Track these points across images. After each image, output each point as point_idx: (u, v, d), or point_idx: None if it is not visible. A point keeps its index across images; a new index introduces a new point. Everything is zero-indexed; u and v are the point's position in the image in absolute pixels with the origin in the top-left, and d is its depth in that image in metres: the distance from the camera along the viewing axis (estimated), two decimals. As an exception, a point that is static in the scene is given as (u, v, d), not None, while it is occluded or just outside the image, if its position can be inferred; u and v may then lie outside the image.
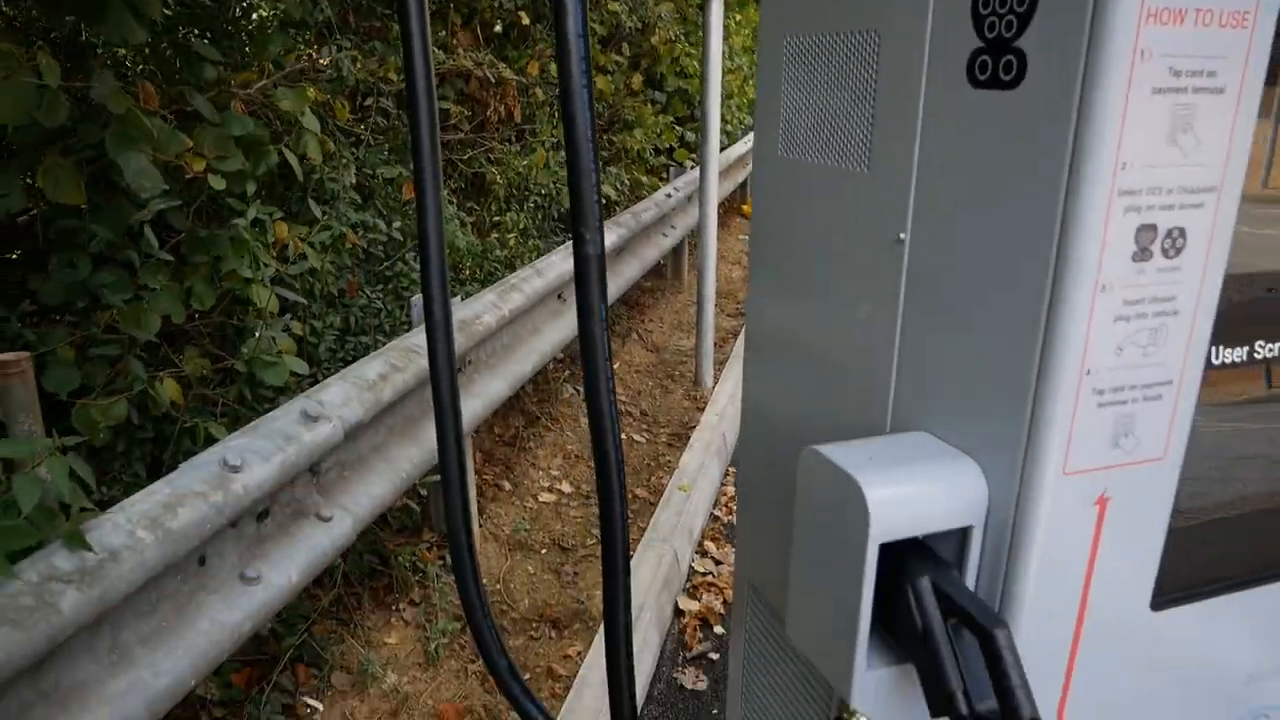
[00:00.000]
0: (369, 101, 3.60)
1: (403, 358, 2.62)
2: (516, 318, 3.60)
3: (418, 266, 3.76)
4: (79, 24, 2.88)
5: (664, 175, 7.00)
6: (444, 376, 1.37)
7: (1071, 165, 0.95)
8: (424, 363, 2.73)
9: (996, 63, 1.03)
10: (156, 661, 1.71)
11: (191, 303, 2.75)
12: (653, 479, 4.40)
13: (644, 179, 6.29)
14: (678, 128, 7.13)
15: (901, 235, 1.24)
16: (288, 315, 2.84)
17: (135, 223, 2.63)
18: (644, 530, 3.83)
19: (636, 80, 6.00)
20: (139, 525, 1.64)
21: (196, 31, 3.28)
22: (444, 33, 4.25)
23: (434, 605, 3.15)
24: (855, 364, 1.37)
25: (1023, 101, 1.00)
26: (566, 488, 4.23)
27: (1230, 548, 1.25)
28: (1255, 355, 1.21)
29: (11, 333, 2.67)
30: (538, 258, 4.44)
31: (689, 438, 4.79)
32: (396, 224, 3.55)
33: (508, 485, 4.10)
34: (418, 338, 2.80)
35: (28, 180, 2.58)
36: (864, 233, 1.32)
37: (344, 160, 3.29)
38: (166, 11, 3.24)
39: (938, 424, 1.20)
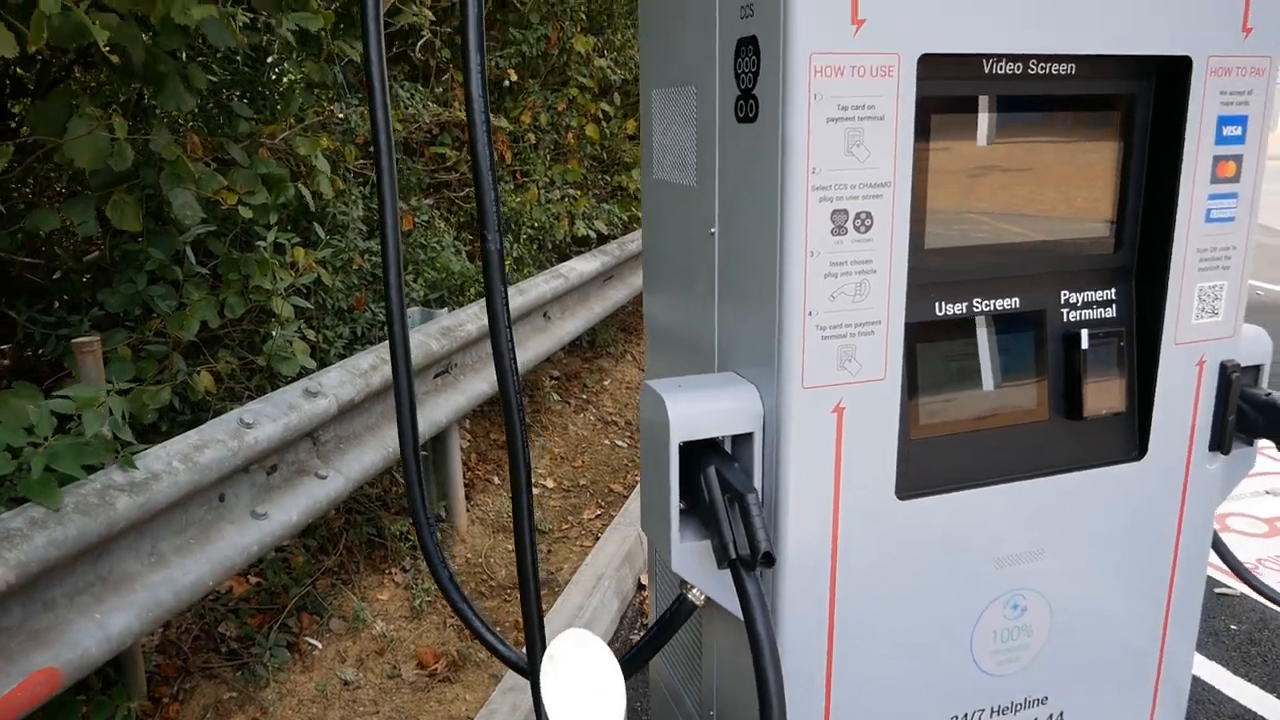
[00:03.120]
0: (372, 148, 4.25)
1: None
2: (501, 331, 4.18)
3: (416, 286, 4.39)
4: (145, 90, 3.55)
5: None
6: (402, 372, 1.95)
7: (782, 171, 1.51)
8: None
9: (746, 105, 1.60)
10: (184, 564, 2.29)
11: (225, 312, 3.37)
12: (629, 478, 4.93)
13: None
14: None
15: (712, 230, 1.81)
16: (301, 321, 3.45)
17: (181, 246, 3.27)
18: (614, 517, 4.36)
19: (631, 125, 6.66)
20: (175, 458, 2.24)
21: (238, 94, 3.96)
22: (441, 89, 4.92)
23: (421, 571, 3.71)
24: (695, 329, 1.93)
25: (760, 131, 1.57)
26: (550, 483, 4.79)
27: (963, 453, 1.75)
28: (974, 309, 1.73)
29: (83, 333, 3.31)
30: (529, 282, 5.04)
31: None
32: (398, 250, 4.18)
33: (497, 480, 4.67)
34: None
35: (99, 212, 3.23)
36: (694, 230, 1.89)
37: (353, 197, 3.93)
38: (212, 79, 3.92)
39: (739, 364, 1.74)
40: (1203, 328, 1.83)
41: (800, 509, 1.64)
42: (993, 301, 1.75)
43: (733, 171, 1.71)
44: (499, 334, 1.79)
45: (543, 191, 5.79)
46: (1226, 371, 1.86)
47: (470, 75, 1.66)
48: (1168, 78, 1.72)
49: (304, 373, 3.14)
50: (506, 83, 5.61)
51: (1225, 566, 2.28)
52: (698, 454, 1.64)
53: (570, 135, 6.16)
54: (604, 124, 6.42)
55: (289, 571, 3.39)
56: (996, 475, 1.77)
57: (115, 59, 2.34)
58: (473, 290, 4.64)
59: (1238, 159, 1.76)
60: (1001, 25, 1.56)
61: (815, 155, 1.50)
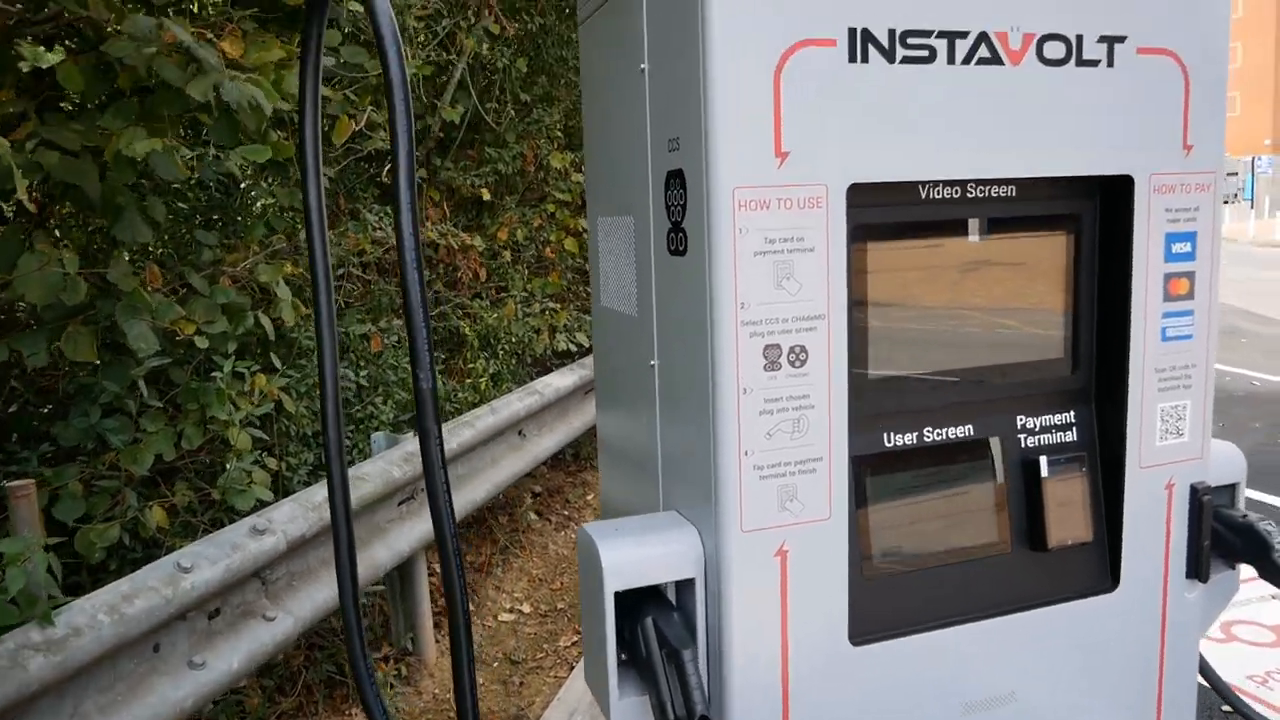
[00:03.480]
0: (341, 271, 4.26)
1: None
2: (472, 450, 4.09)
3: (385, 409, 4.31)
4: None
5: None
6: (340, 509, 1.87)
7: (711, 306, 1.45)
8: (368, 489, 3.22)
9: (676, 238, 1.56)
10: (109, 726, 2.13)
11: (182, 443, 3.28)
12: (608, 599, 4.75)
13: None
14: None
15: (652, 362, 1.75)
16: (260, 451, 3.37)
17: (136, 377, 3.21)
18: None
19: (608, 240, 6.72)
20: (100, 610, 2.11)
21: (213, 218, 3.97)
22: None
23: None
24: (642, 463, 1.85)
25: (690, 265, 1.52)
26: (526, 608, 4.60)
27: (922, 592, 1.64)
28: (925, 438, 1.65)
29: (32, 471, 3.22)
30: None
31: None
32: (365, 372, 4.12)
33: (470, 606, 4.48)
34: (367, 467, 3.30)
35: (54, 345, 3.18)
36: (636, 361, 1.83)
37: (319, 321, 3.90)
38: (183, 205, 3.95)
39: (682, 503, 1.65)
40: (1168, 449, 1.74)
41: (746, 659, 1.52)
42: (945, 430, 1.67)
43: (668, 305, 1.66)
44: (433, 477, 1.70)
45: (520, 306, 5.79)
46: (1197, 494, 1.77)
47: (401, 212, 1.62)
48: (1112, 197, 1.69)
49: (259, 505, 3.03)
50: (484, 199, 5.69)
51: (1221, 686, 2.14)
52: (637, 602, 1.53)
53: (549, 250, 6.21)
54: (584, 237, 6.49)
55: (242, 716, 3.20)
56: (959, 614, 1.66)
57: (33, 205, 2.32)
58: (446, 409, 4.58)
59: (1190, 276, 1.72)
60: (932, 152, 1.53)
61: (744, 289, 1.45)
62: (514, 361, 5.89)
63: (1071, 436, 1.75)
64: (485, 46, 5.51)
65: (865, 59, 1.47)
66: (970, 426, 1.68)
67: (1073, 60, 1.59)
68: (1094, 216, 1.71)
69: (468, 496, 3.97)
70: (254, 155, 2.72)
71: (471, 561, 4.94)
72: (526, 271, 6.05)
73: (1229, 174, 45.36)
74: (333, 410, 1.92)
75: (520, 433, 4.71)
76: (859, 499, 1.60)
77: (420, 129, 5.56)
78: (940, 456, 1.67)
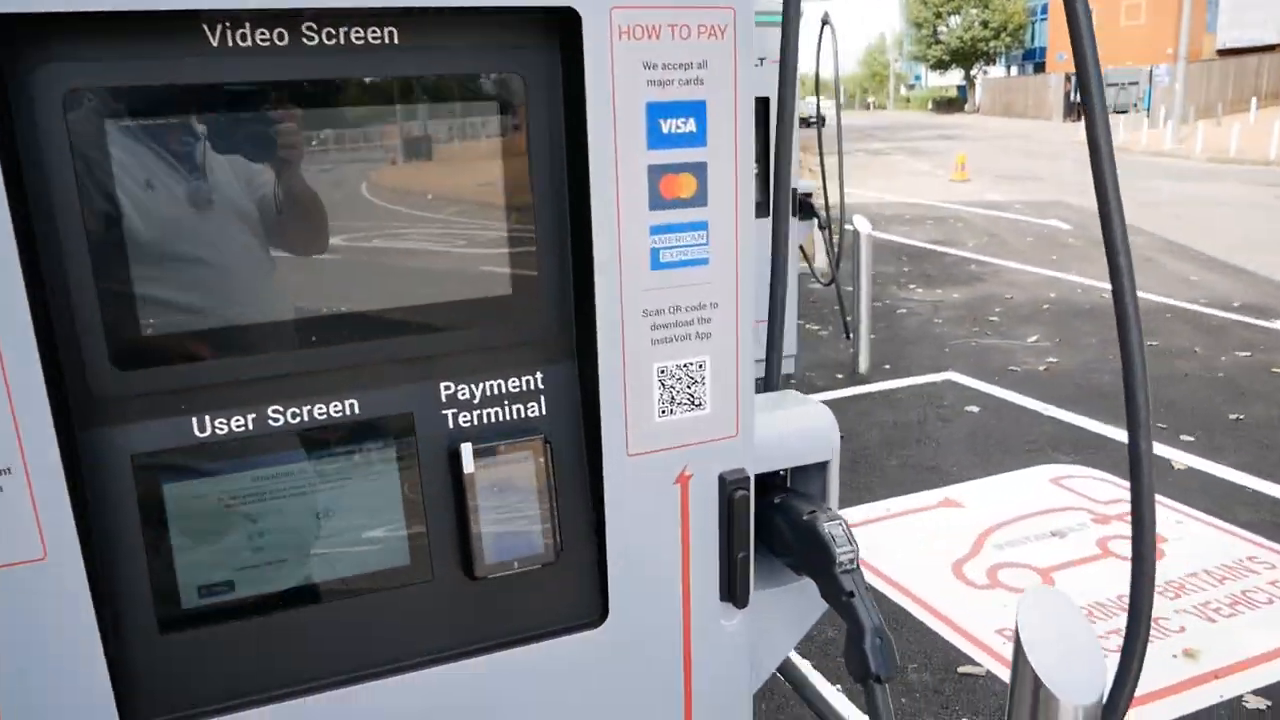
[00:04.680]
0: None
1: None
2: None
3: None
4: None
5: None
6: None
7: None
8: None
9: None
10: None
11: None
12: None
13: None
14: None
15: None
16: None
17: None
18: None
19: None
20: None
21: None
22: None
23: None
24: None
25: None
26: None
27: (281, 648, 1.10)
28: (272, 422, 1.08)
29: None
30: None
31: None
32: None
33: None
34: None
35: None
36: None
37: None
38: None
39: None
40: (676, 427, 1.20)
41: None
42: (307, 407, 1.10)
43: None
44: None
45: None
46: (728, 487, 1.24)
47: None
48: (562, 46, 1.10)
49: None
50: None
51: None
52: None
53: None
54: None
55: None
56: (347, 672, 1.13)
57: None
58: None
59: (697, 170, 1.14)
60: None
61: None
62: None
63: (536, 410, 1.19)
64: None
65: None
66: (354, 401, 1.12)
67: None
68: (550, 79, 1.12)
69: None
70: None
71: None
72: None
73: (1129, 83, 43.12)
74: None
75: None
76: (154, 520, 1.04)
77: None
78: (302, 448, 1.11)
